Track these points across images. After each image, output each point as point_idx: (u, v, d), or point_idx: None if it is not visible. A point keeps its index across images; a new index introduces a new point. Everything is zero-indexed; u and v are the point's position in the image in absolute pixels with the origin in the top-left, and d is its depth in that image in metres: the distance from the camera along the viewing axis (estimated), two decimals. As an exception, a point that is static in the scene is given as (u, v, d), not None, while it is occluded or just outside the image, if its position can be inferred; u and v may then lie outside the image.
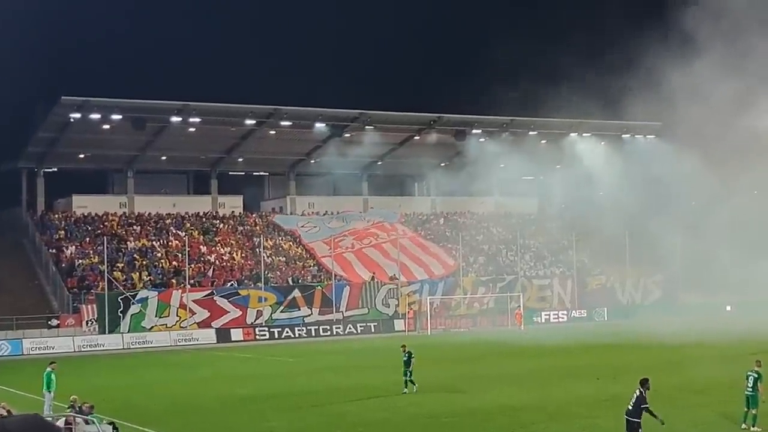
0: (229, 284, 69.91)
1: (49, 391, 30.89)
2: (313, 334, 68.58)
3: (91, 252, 70.31)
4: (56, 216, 76.00)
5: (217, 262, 73.26)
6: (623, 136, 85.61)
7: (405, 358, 35.01)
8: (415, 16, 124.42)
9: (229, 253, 75.06)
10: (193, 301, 66.73)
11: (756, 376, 25.10)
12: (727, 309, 78.49)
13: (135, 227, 75.93)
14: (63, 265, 68.43)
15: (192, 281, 68.21)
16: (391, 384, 34.96)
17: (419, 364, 36.12)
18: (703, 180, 63.92)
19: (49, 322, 63.53)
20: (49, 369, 31.39)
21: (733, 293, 78.20)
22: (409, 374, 34.83)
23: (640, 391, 21.29)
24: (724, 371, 35.69)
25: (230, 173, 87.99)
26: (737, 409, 25.72)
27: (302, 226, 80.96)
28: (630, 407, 21.25)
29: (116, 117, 70.93)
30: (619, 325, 71.17)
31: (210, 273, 71.23)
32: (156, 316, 65.34)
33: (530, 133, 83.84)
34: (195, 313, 66.53)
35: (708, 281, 77.31)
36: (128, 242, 72.96)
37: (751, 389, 24.96)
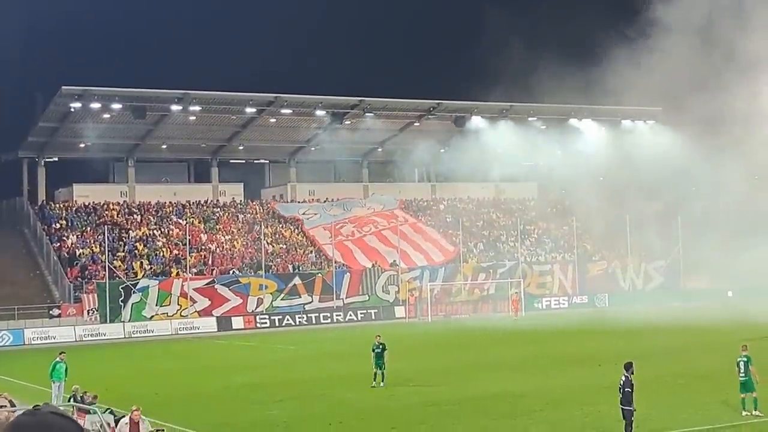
0: (230, 272, 69.98)
1: (54, 382, 30.86)
2: (314, 321, 68.64)
3: (92, 241, 70.36)
4: (57, 206, 76.02)
5: (217, 250, 73.31)
6: (623, 121, 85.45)
7: (378, 350, 33.46)
8: (414, 2, 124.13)
9: (230, 241, 75.10)
10: (194, 289, 66.78)
11: (746, 360, 25.22)
12: (728, 295, 78.42)
13: (136, 216, 75.93)
14: (64, 254, 68.48)
15: (193, 270, 68.28)
16: (393, 371, 34.95)
17: (422, 351, 36.12)
18: (704, 165, 63.91)
19: (51, 312, 63.59)
20: (57, 359, 31.30)
21: (735, 279, 78.10)
22: (382, 366, 33.29)
23: (626, 377, 21.42)
24: (725, 357, 35.67)
25: (231, 161, 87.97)
26: (738, 394, 25.73)
27: (303, 214, 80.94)
28: (621, 396, 21.39)
29: (116, 106, 70.91)
30: (621, 311, 71.12)
31: (210, 261, 71.27)
32: (157, 305, 65.41)
33: (530, 118, 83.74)
34: (196, 302, 66.60)
35: (709, 267, 77.33)
36: (129, 231, 72.99)
37: (744, 374, 25.05)
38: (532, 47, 68.08)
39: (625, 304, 76.72)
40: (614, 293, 79.53)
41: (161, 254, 70.89)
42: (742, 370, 25.11)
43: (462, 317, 71.14)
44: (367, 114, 79.44)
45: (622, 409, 21.44)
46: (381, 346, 33.58)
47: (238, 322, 66.70)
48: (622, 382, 21.49)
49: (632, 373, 21.59)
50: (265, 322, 67.32)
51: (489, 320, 67.46)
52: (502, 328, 59.95)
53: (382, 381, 33.18)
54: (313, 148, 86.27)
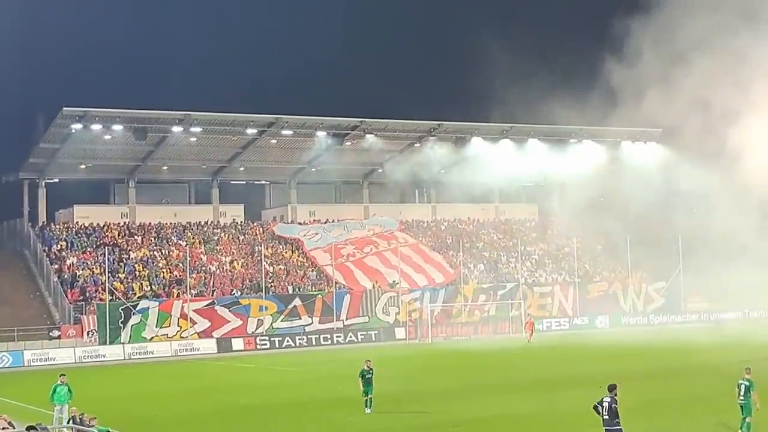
0: (231, 293, 69.86)
1: (56, 405, 30.51)
2: (314, 342, 68.49)
3: (92, 262, 70.31)
4: (57, 227, 76.01)
5: (218, 271, 73.20)
6: (623, 142, 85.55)
7: (369, 375, 32.19)
8: (415, 24, 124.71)
9: (230, 262, 75.00)
10: (194, 310, 66.66)
11: (747, 384, 25.00)
12: (730, 317, 78.28)
13: (136, 237, 75.91)
14: (64, 276, 68.43)
15: (193, 291, 68.18)
16: (393, 393, 34.86)
17: (423, 372, 35.94)
18: (705, 186, 63.93)
19: (50, 333, 63.43)
20: (57, 382, 30.97)
21: (735, 301, 78.08)
22: (370, 392, 32.07)
23: (611, 398, 21.32)
24: (725, 379, 35.59)
25: (231, 182, 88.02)
26: (737, 417, 25.61)
27: (303, 235, 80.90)
28: (606, 417, 21.22)
29: (117, 127, 71.04)
30: (621, 332, 71.00)
31: (210, 282, 71.15)
32: (157, 327, 65.26)
33: (530, 139, 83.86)
34: (196, 323, 66.47)
35: (710, 289, 77.23)
36: (129, 252, 72.94)
37: (743, 398, 24.89)
38: (532, 68, 68.39)
39: (626, 326, 76.76)
40: (615, 314, 79.32)
41: (161, 275, 70.81)
42: (741, 393, 24.94)
43: (462, 339, 70.97)
44: (367, 135, 79.59)
45: (610, 430, 21.27)
46: (371, 371, 32.46)
47: (238, 343, 66.56)
48: (607, 403, 21.34)
49: (616, 395, 21.54)
50: (265, 344, 67.16)
51: (490, 342, 67.31)
52: (503, 350, 59.82)
53: (371, 406, 32.26)
54: (313, 169, 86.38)
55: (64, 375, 31.79)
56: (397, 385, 35.36)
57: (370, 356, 35.10)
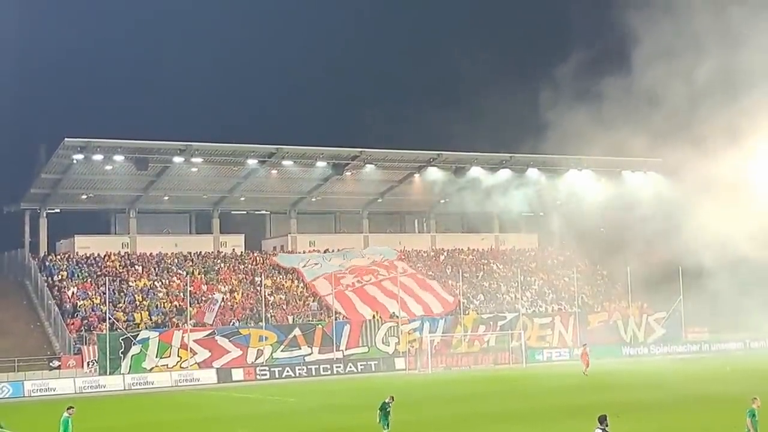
0: (231, 323, 69.87)
1: None
2: (314, 373, 68.43)
3: (93, 292, 70.41)
4: (58, 257, 76.18)
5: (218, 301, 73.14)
6: (623, 171, 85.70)
7: (389, 409, 31.51)
8: (414, 53, 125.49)
9: (230, 292, 75.07)
10: (194, 340, 66.66)
11: (748, 412, 25.11)
12: (731, 347, 78.19)
13: (137, 267, 76.04)
14: (65, 306, 68.51)
15: (193, 321, 68.22)
16: (397, 423, 34.76)
17: (424, 403, 35.86)
18: (705, 216, 64.07)
19: (51, 364, 63.41)
20: (66, 414, 30.30)
21: (736, 331, 78.02)
22: (388, 425, 31.35)
23: (603, 430, 21.36)
24: (728, 410, 35.60)
25: (232, 212, 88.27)
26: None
27: (303, 264, 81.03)
28: None
29: (119, 158, 71.32)
30: (622, 363, 70.85)
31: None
32: (157, 357, 65.25)
33: (530, 169, 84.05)
34: (196, 353, 66.46)
35: (711, 319, 77.18)
36: (130, 282, 73.05)
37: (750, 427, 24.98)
38: (532, 97, 68.86)
39: (627, 356, 76.56)
40: (615, 345, 79.09)
41: (162, 305, 70.86)
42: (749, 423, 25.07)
43: (462, 369, 70.84)
44: (367, 165, 79.91)
45: None
46: (390, 405, 31.80)
47: (238, 373, 66.49)
48: None
49: (607, 425, 21.61)
50: (265, 374, 67.10)
51: (490, 372, 67.17)
52: (503, 380, 59.73)
53: None
54: (313, 199, 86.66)
55: (72, 407, 30.65)
56: (397, 415, 35.26)
57: (371, 387, 35.10)
